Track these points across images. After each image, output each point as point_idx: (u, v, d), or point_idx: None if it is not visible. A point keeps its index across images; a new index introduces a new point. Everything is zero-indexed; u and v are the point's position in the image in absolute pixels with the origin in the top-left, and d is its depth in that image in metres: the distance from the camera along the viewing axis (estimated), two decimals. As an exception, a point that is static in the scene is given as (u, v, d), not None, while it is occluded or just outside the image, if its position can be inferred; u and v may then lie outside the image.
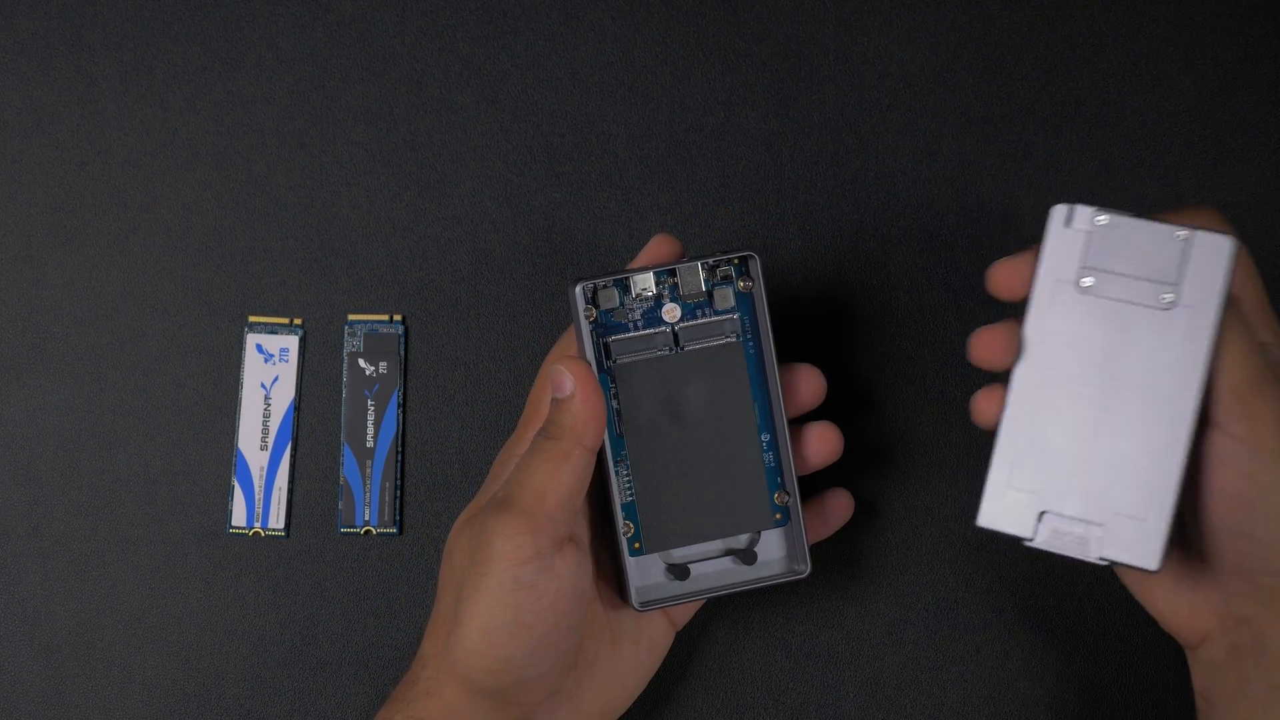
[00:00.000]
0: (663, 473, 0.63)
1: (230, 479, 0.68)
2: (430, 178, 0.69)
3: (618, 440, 0.63)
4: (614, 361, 0.63)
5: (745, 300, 0.64)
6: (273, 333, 0.69)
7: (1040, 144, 0.69)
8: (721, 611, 0.68)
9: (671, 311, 0.63)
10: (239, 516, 0.68)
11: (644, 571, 0.63)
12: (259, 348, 0.69)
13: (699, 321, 0.64)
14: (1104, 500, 0.57)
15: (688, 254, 0.67)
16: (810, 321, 0.69)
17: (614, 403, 0.63)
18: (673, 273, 0.63)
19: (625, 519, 0.63)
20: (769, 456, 0.64)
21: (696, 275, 0.63)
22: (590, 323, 0.62)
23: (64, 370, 0.68)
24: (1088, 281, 0.57)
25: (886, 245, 0.69)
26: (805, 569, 0.63)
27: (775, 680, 0.67)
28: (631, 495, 0.63)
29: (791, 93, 0.70)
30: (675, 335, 0.63)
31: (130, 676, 0.67)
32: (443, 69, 0.70)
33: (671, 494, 0.63)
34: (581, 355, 0.62)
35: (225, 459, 0.68)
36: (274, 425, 0.69)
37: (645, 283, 0.63)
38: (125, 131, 0.69)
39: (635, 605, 0.62)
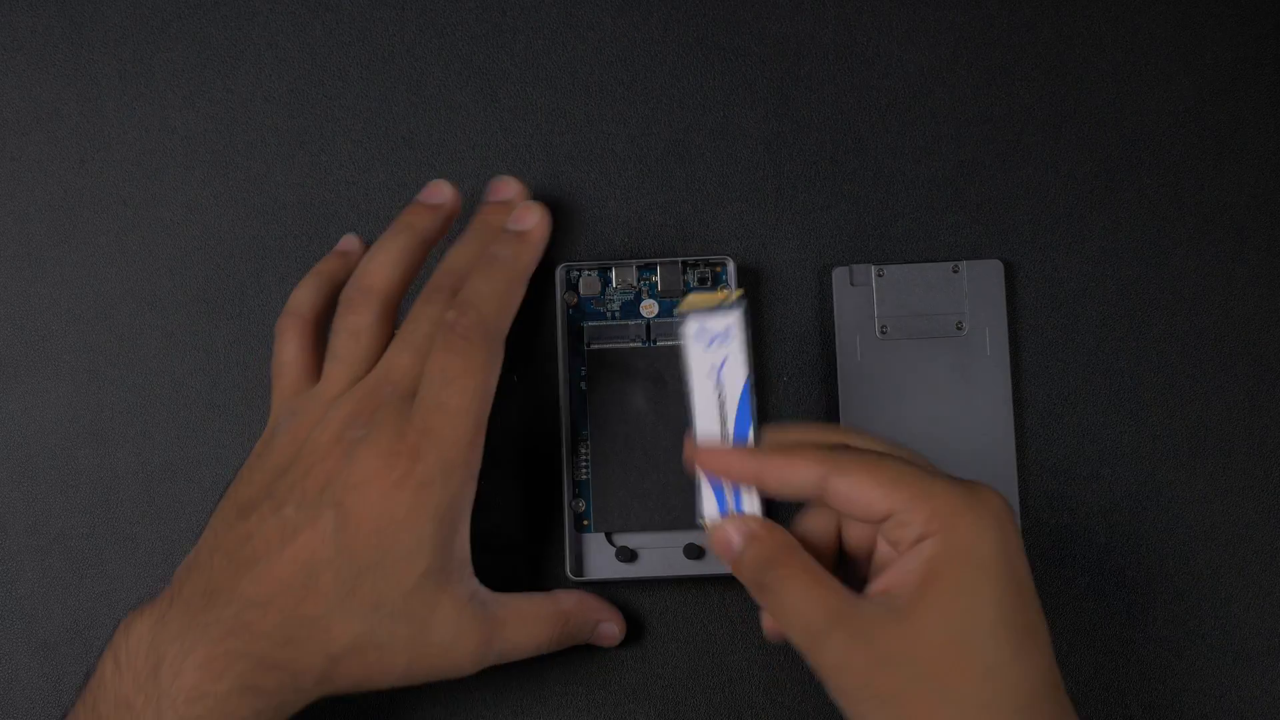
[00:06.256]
0: (622, 458, 0.65)
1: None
2: (429, 176, 0.69)
3: (581, 419, 0.66)
4: (588, 346, 0.66)
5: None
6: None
7: (1039, 144, 0.69)
8: (721, 609, 0.68)
9: (649, 307, 0.66)
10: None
11: (588, 549, 0.66)
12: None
13: (675, 319, 0.66)
14: None
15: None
16: (808, 323, 0.69)
17: (583, 385, 0.66)
18: (654, 269, 0.66)
19: (578, 496, 0.65)
20: None
21: (677, 274, 0.66)
22: (569, 306, 0.66)
23: (62, 368, 0.68)
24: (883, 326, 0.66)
25: (885, 245, 0.69)
26: None
27: (774, 678, 0.67)
28: (587, 474, 0.66)
29: (790, 92, 0.70)
30: (649, 329, 0.66)
31: (127, 674, 0.67)
32: (442, 68, 0.70)
33: (627, 480, 0.65)
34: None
35: (224, 458, 0.68)
36: (272, 423, 0.69)
37: (626, 275, 0.66)
38: (124, 129, 0.70)
39: (569, 575, 0.65)
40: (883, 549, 0.59)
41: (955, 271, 0.67)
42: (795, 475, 0.58)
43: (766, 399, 0.68)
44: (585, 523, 0.66)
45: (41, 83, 0.70)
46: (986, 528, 0.55)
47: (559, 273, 0.66)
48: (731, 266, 0.66)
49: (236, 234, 0.69)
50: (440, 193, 0.64)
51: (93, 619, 0.67)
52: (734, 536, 0.58)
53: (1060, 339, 0.68)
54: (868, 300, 0.67)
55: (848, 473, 0.57)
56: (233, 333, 0.69)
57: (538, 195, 0.69)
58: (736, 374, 0.59)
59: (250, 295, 0.69)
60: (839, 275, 0.68)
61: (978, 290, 0.67)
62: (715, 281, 0.66)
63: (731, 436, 0.59)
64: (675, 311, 0.61)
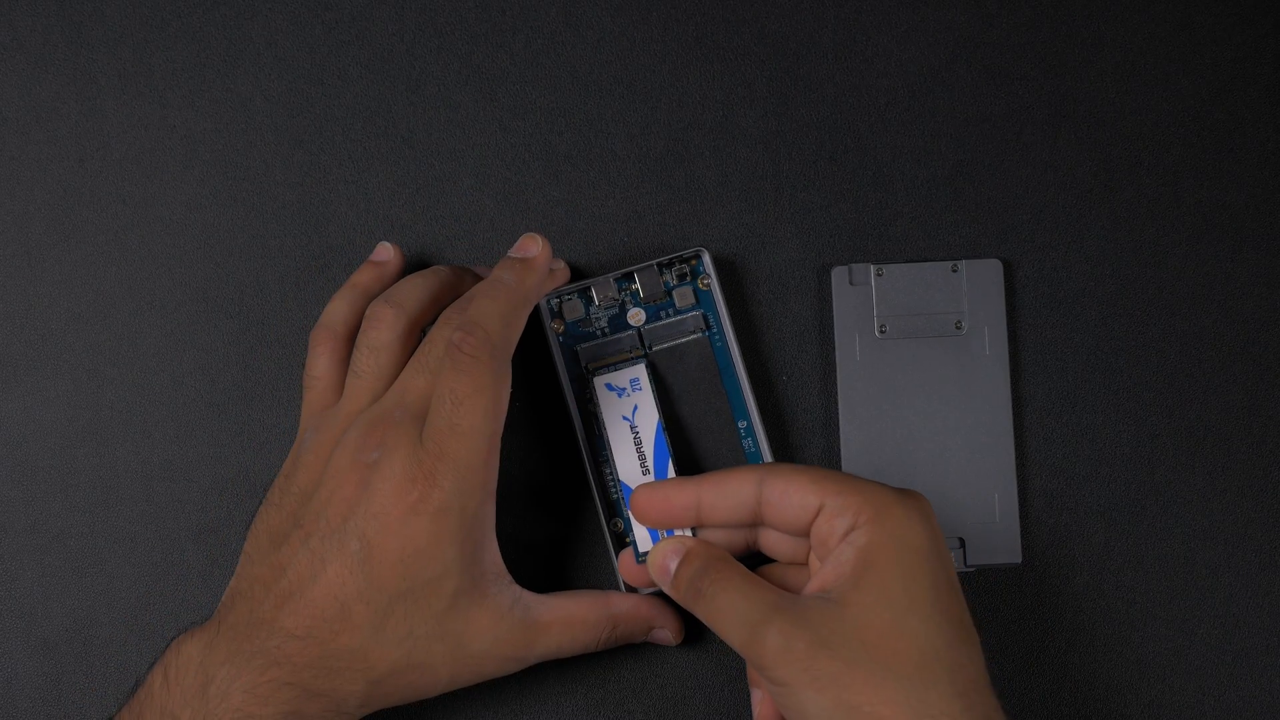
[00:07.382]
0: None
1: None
2: (428, 176, 0.69)
3: (600, 441, 0.65)
4: (586, 370, 0.66)
5: (706, 296, 0.67)
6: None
7: (1038, 144, 0.69)
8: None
9: (636, 316, 0.66)
10: (236, 514, 0.68)
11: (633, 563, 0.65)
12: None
13: (663, 322, 0.66)
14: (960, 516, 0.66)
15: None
16: (807, 322, 0.69)
17: (590, 406, 0.65)
18: (632, 278, 0.66)
19: (614, 516, 0.65)
20: (748, 443, 0.66)
21: (655, 277, 0.66)
22: (558, 335, 0.66)
23: (62, 367, 0.69)
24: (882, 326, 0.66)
25: (884, 245, 0.69)
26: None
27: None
28: (617, 494, 0.65)
29: (789, 92, 0.70)
30: (641, 337, 0.66)
31: (127, 673, 0.67)
32: (441, 67, 0.70)
33: None
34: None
35: (223, 456, 0.68)
36: (272, 423, 0.69)
37: (606, 290, 0.66)
38: (124, 128, 0.70)
39: (623, 588, 0.65)
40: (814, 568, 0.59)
41: (954, 271, 0.67)
42: (732, 485, 0.59)
43: (766, 399, 0.68)
44: (628, 540, 0.65)
45: (41, 82, 0.70)
46: (916, 519, 0.57)
47: (541, 304, 0.66)
48: (707, 257, 0.66)
49: (236, 233, 0.69)
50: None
51: (92, 618, 0.67)
52: (669, 555, 0.60)
53: (1059, 338, 0.68)
54: (867, 299, 0.67)
55: (780, 474, 0.58)
56: (232, 332, 0.69)
57: (536, 194, 0.69)
58: (649, 418, 0.63)
59: (250, 295, 0.69)
60: (838, 274, 0.67)
61: (977, 289, 0.67)
62: (694, 275, 0.66)
63: (653, 471, 0.63)
64: (589, 371, 0.65)
